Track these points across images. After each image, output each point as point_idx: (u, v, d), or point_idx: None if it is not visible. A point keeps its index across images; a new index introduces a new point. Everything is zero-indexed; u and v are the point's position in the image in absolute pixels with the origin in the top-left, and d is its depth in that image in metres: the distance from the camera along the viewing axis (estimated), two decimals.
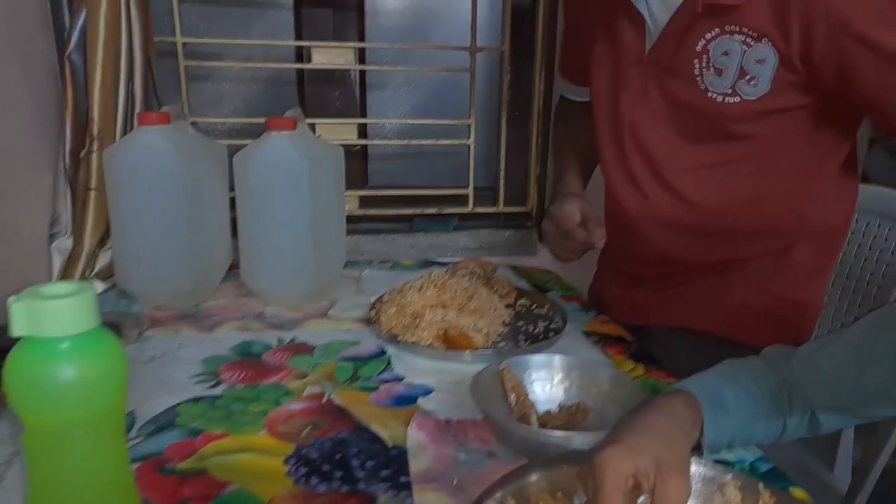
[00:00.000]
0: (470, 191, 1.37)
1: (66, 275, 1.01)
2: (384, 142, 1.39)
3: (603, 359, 0.82)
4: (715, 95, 0.76)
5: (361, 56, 1.34)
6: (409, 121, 1.41)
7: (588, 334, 0.89)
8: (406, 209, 1.38)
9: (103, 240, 1.03)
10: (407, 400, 0.70)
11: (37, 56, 1.03)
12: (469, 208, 1.38)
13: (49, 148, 1.04)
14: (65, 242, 1.03)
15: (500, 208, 1.40)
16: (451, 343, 0.81)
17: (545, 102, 1.36)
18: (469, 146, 1.34)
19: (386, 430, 0.63)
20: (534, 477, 0.49)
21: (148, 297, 0.95)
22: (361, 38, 1.35)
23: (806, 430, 0.57)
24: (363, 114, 1.40)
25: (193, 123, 1.16)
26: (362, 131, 1.39)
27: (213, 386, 0.71)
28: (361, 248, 1.34)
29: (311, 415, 0.66)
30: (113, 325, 0.81)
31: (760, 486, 0.49)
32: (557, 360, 0.69)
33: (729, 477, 0.50)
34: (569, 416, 0.64)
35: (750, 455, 0.61)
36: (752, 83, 0.74)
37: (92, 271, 1.02)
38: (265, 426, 0.63)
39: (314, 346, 0.82)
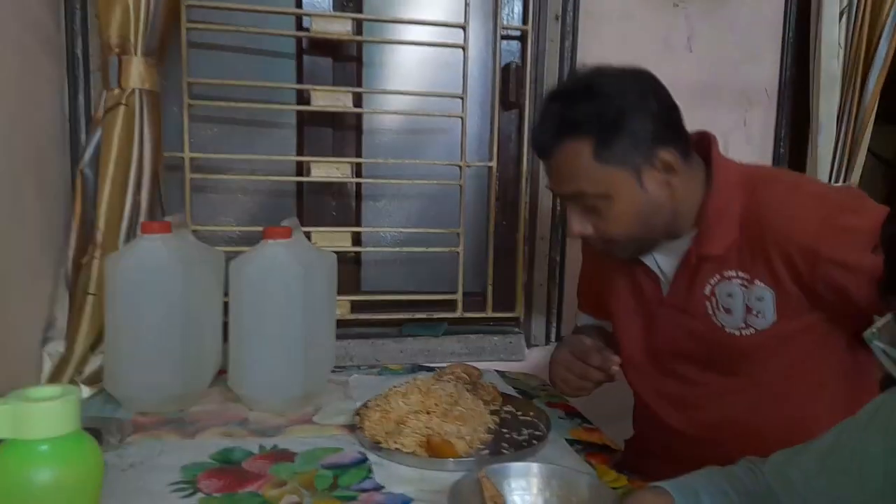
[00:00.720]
0: (459, 296, 1.40)
1: (54, 378, 1.01)
2: (377, 249, 1.44)
3: (585, 468, 0.81)
4: (731, 331, 0.83)
5: (358, 169, 1.42)
6: (402, 230, 1.47)
7: (572, 442, 0.89)
8: (396, 314, 1.40)
9: (95, 344, 1.05)
10: None
11: (51, 169, 1.10)
12: (458, 313, 1.40)
13: (53, 254, 1.08)
14: (57, 346, 1.04)
15: (489, 314, 1.43)
16: (434, 450, 0.80)
17: (531, 213, 1.43)
18: (459, 253, 1.39)
19: None
20: None
21: (135, 402, 0.95)
22: (359, 154, 1.44)
23: None
24: (358, 223, 1.47)
25: (195, 231, 1.21)
26: (357, 239, 1.44)
27: (190, 495, 0.70)
28: (350, 352, 1.35)
29: None
30: (95, 430, 0.80)
31: None
32: (536, 468, 0.69)
33: None
34: None
35: None
36: (759, 316, 0.80)
37: (81, 375, 1.03)
38: None
39: (295, 454, 0.82)
